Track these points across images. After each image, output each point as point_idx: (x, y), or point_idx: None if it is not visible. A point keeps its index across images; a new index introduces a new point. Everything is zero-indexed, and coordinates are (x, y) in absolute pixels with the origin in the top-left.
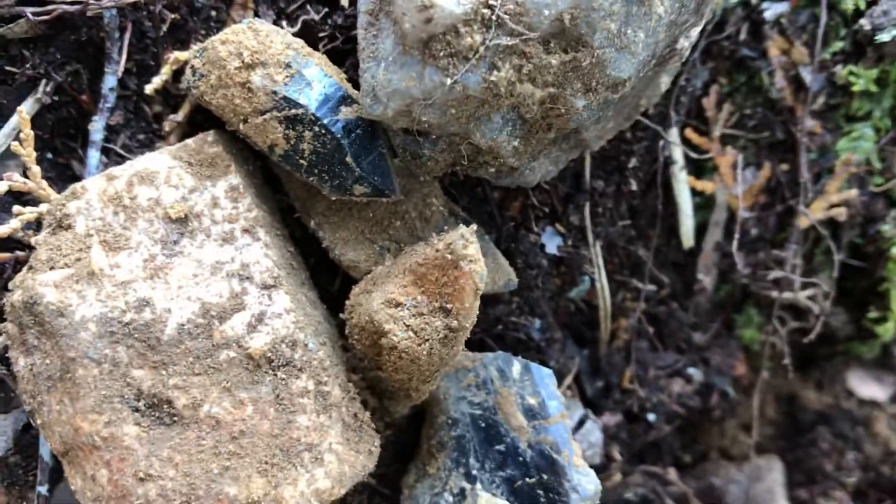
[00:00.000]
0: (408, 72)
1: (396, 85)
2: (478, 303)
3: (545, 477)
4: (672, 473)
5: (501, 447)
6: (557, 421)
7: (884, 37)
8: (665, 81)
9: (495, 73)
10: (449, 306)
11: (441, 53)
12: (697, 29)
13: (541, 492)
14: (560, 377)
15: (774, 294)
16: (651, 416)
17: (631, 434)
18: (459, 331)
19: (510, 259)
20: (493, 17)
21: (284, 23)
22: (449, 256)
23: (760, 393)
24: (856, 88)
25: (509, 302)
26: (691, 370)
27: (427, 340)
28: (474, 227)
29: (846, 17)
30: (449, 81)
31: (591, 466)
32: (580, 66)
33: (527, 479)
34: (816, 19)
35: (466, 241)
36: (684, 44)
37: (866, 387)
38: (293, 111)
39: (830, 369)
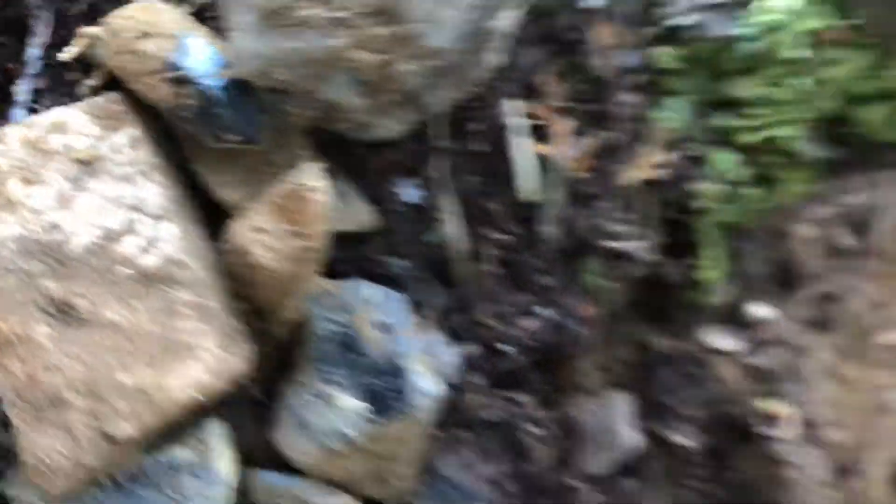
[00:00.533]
0: (263, 38)
1: (255, 50)
2: (326, 227)
3: (394, 380)
4: (528, 400)
5: (358, 357)
6: (408, 335)
7: (682, 21)
8: (490, 58)
9: (332, 40)
10: (301, 230)
11: (287, 23)
12: (512, 13)
13: (391, 393)
14: (420, 309)
15: (609, 245)
16: (508, 348)
17: (489, 364)
18: (311, 251)
19: (374, 205)
20: None
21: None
22: (299, 189)
23: (610, 334)
24: (668, 67)
25: (374, 242)
26: (542, 310)
27: (285, 259)
28: (320, 164)
29: (663, 3)
30: (295, 45)
31: (449, 386)
32: (403, 37)
33: (377, 382)
34: (637, 6)
35: (312, 176)
36: (498, 25)
37: (715, 337)
38: (178, 73)
39: (680, 318)
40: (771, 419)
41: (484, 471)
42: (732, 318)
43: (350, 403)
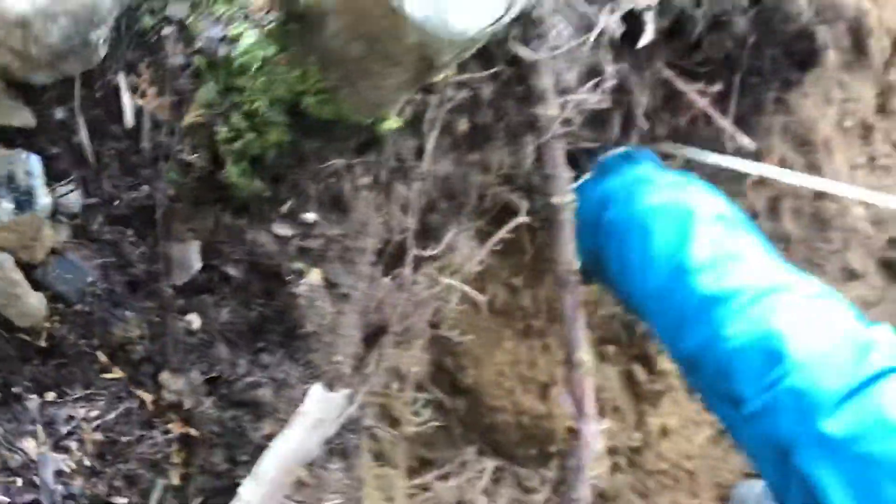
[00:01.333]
0: None
1: None
2: None
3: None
4: (133, 234)
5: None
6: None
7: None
8: (101, 49)
9: None
10: None
11: None
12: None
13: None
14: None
15: (177, 156)
16: (120, 204)
17: (107, 211)
18: None
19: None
20: None
21: None
22: None
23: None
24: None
25: (34, 136)
26: (143, 187)
27: None
28: None
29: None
30: None
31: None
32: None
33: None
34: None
35: None
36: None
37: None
38: None
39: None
40: (300, 275)
41: (97, 262)
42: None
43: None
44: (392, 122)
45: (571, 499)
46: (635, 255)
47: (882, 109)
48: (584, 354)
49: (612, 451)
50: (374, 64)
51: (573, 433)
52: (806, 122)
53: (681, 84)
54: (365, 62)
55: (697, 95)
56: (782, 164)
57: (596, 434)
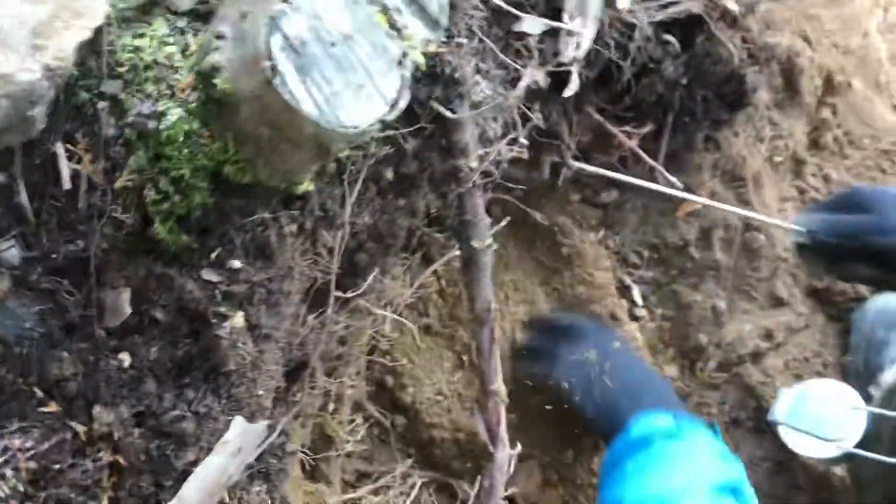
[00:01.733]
0: None
1: None
2: None
3: None
4: (68, 283)
5: None
6: None
7: None
8: (39, 123)
9: None
10: None
11: None
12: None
13: None
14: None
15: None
16: (58, 258)
17: (47, 265)
18: None
19: None
20: None
21: None
22: None
23: (125, 262)
24: None
25: None
26: (80, 241)
27: None
28: None
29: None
30: None
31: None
32: None
33: None
34: None
35: None
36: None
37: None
38: None
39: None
40: (224, 318)
41: (35, 309)
42: (219, 265)
43: None
44: (307, 185)
45: None
46: None
47: (815, 145)
48: (499, 385)
49: (544, 467)
50: (281, 144)
51: (489, 456)
52: (736, 159)
53: (610, 126)
54: (273, 143)
55: (626, 137)
56: (712, 197)
57: (507, 459)
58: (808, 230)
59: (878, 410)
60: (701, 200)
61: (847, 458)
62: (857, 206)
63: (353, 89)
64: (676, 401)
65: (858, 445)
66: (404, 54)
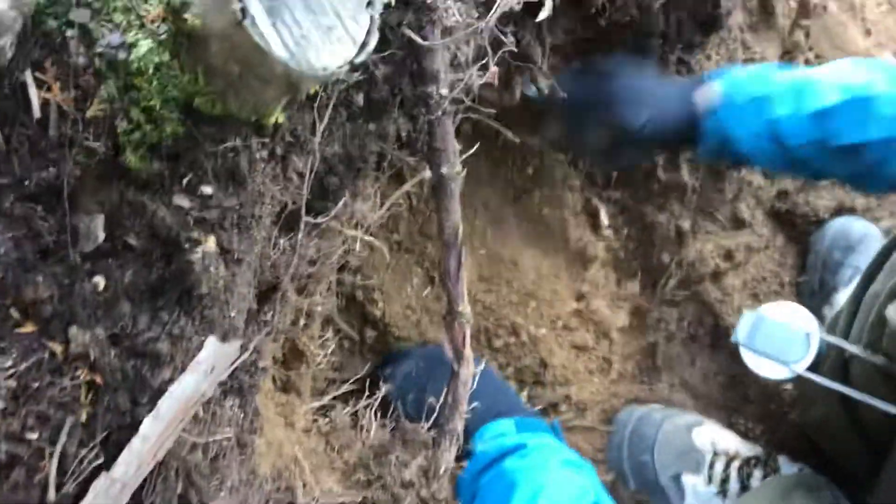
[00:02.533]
0: None
1: None
2: None
3: None
4: (42, 209)
5: None
6: None
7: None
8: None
9: None
10: None
11: None
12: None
13: None
14: None
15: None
16: (31, 184)
17: (23, 189)
18: None
19: None
20: None
21: None
22: None
23: (98, 188)
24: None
25: None
26: (52, 168)
27: None
28: None
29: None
30: None
31: None
32: None
33: None
34: None
35: None
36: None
37: (178, 199)
38: None
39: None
40: (196, 243)
41: (9, 235)
42: (191, 191)
43: None
44: (279, 117)
45: (447, 430)
46: None
47: None
48: (465, 307)
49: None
50: (251, 81)
51: (454, 373)
52: None
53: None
54: (243, 79)
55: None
56: None
57: (469, 376)
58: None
59: (830, 339)
60: None
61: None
62: (603, 72)
63: (322, 31)
64: (519, 405)
65: (810, 367)
66: None
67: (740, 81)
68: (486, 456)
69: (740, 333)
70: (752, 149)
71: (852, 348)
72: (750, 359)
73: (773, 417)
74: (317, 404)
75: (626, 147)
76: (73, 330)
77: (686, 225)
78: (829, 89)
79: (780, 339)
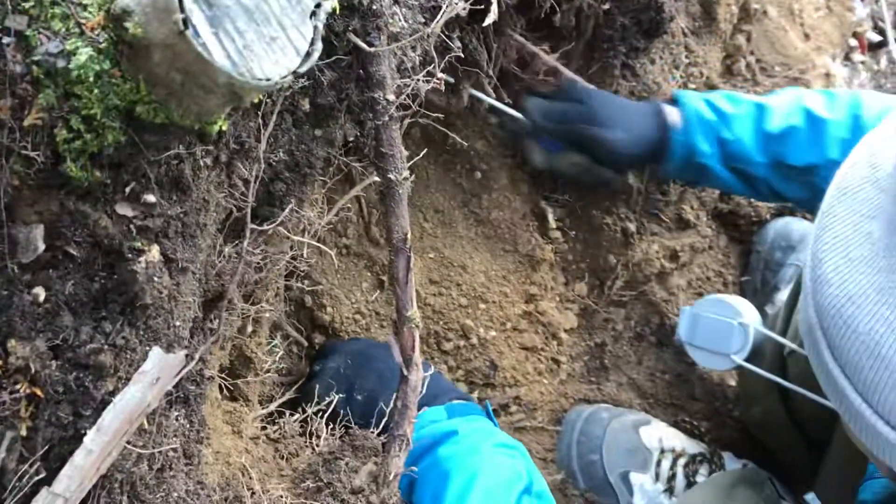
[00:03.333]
0: None
1: None
2: None
3: None
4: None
5: None
6: None
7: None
8: None
9: None
10: None
11: None
12: None
13: None
14: None
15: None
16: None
17: None
18: None
19: None
20: None
21: None
22: None
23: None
24: None
25: None
26: None
27: None
28: None
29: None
30: None
31: None
32: None
33: None
34: None
35: None
36: None
37: (122, 208)
38: None
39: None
40: (139, 252)
41: None
42: (134, 200)
43: None
44: (222, 124)
45: (396, 434)
46: None
47: (728, 72)
48: (413, 311)
49: None
50: (194, 90)
51: (403, 378)
52: (651, 86)
53: (531, 46)
54: (186, 88)
55: (547, 53)
56: None
57: (419, 381)
58: (529, 119)
59: (766, 331)
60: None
61: (738, 370)
62: (573, 99)
63: (266, 41)
64: (449, 389)
65: (748, 360)
66: (318, 5)
67: (700, 106)
68: (420, 446)
69: (681, 330)
70: (714, 167)
71: (789, 343)
72: (691, 351)
73: (718, 415)
74: (265, 412)
75: (603, 165)
76: (12, 343)
77: (632, 227)
78: (784, 113)
79: (719, 332)
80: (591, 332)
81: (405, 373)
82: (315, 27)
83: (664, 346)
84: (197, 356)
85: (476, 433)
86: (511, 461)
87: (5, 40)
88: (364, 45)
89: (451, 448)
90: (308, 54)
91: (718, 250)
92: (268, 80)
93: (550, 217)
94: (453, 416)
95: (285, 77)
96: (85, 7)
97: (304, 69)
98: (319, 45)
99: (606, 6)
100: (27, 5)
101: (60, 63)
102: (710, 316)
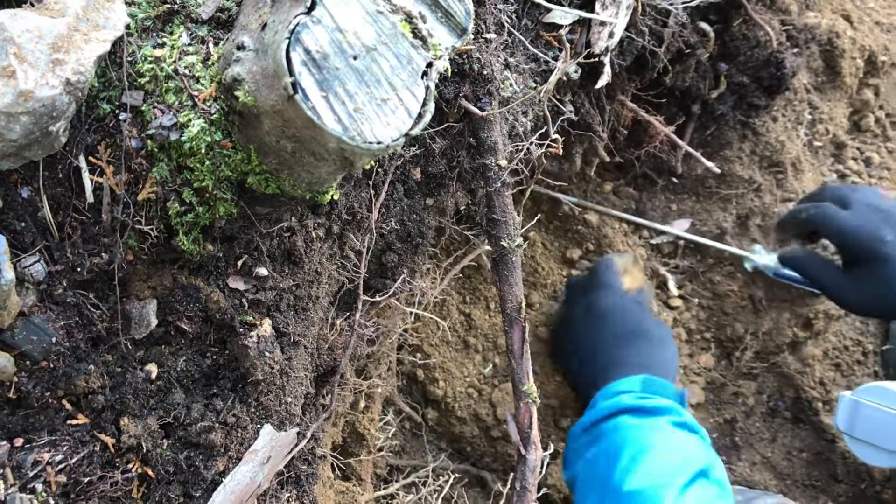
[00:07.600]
0: None
1: None
2: None
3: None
4: (94, 296)
5: None
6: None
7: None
8: (61, 138)
9: None
10: None
11: None
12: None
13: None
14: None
15: (133, 224)
16: (82, 270)
17: (71, 278)
18: None
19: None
20: None
21: None
22: None
23: (151, 273)
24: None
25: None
26: (104, 253)
27: None
28: None
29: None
30: None
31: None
32: None
33: None
34: None
35: None
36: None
37: (233, 281)
38: None
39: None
40: (251, 327)
41: (61, 323)
42: (246, 273)
43: None
44: (333, 194)
45: None
46: None
47: (856, 127)
48: (530, 386)
49: None
50: (305, 157)
51: (521, 458)
52: (774, 144)
53: (644, 114)
54: (296, 155)
55: (661, 123)
56: (751, 184)
57: (538, 460)
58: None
59: None
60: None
61: None
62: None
63: (376, 103)
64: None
65: None
66: (429, 64)
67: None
68: (605, 409)
69: (839, 419)
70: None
71: None
72: (853, 445)
73: (865, 498)
74: (379, 494)
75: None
76: (125, 421)
77: (759, 293)
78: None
79: (885, 424)
80: (719, 407)
81: (522, 452)
82: (427, 87)
83: (801, 422)
84: (309, 434)
85: (661, 410)
86: (689, 441)
87: (122, 116)
88: (475, 110)
89: (634, 419)
90: (420, 115)
91: (855, 317)
92: (379, 143)
93: (671, 283)
94: (646, 390)
95: (397, 140)
96: (197, 80)
97: (416, 131)
98: (432, 106)
99: (723, 66)
100: (143, 80)
101: (173, 136)
102: (872, 404)
